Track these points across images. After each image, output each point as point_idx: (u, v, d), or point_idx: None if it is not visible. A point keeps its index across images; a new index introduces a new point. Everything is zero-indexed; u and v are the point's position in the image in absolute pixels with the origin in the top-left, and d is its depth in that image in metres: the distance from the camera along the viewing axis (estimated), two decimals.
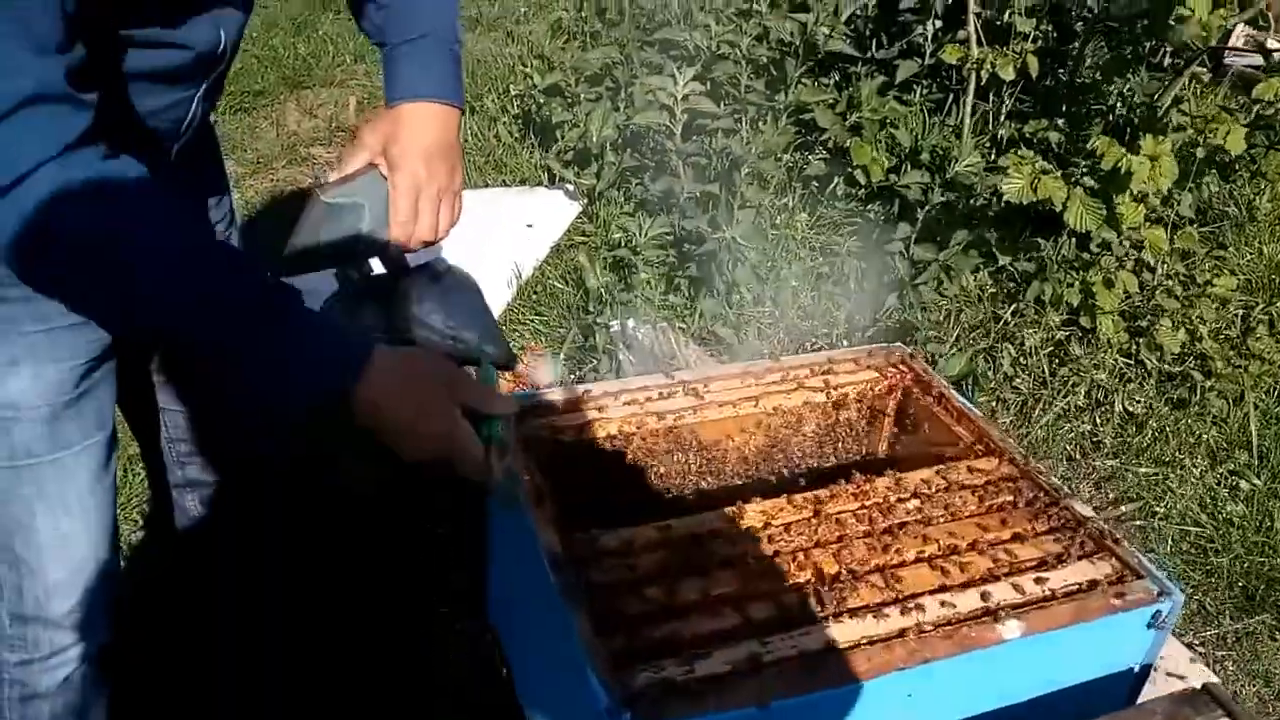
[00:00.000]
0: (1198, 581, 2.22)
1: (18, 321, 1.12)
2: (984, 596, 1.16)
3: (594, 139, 3.04)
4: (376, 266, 1.30)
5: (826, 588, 1.16)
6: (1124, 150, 2.39)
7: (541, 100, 3.47)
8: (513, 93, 3.86)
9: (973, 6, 2.95)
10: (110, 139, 0.94)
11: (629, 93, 3.17)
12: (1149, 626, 1.17)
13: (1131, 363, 2.65)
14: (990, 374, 2.58)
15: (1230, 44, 3.91)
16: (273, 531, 1.73)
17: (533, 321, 2.81)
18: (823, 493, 1.31)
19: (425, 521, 2.11)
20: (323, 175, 3.57)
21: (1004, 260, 2.75)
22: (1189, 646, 2.09)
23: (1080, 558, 1.24)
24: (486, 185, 3.51)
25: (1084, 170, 2.63)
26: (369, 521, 2.13)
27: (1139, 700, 1.26)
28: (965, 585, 1.19)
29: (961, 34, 3.08)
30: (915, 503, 1.32)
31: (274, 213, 3.44)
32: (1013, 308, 2.70)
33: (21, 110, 0.86)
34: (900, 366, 1.63)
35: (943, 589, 1.18)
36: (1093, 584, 1.20)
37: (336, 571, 1.99)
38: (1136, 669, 1.25)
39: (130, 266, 0.92)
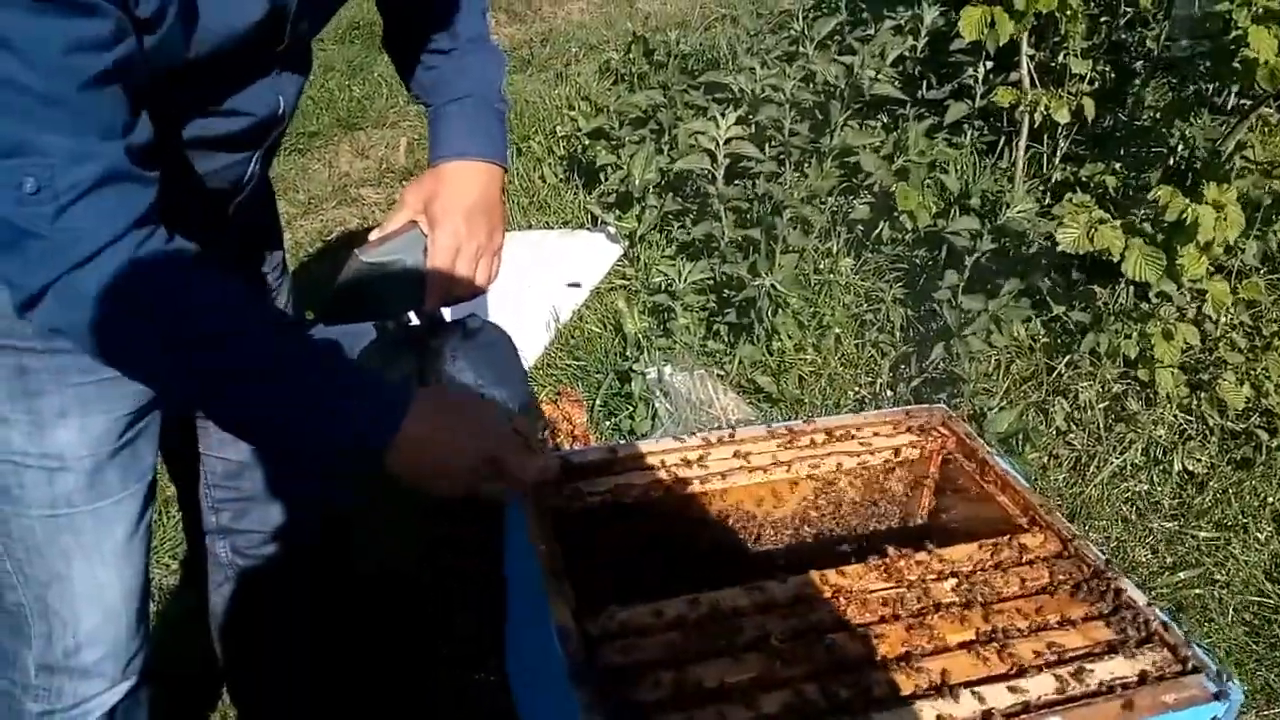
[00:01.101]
0: (1261, 655, 2.09)
1: (66, 373, 1.13)
2: (1024, 690, 1.09)
3: (636, 182, 3.03)
4: (413, 317, 1.33)
5: (854, 676, 1.09)
6: (1187, 200, 2.29)
7: (586, 143, 3.48)
8: (559, 134, 3.87)
9: (1025, 48, 2.88)
10: (171, 200, 0.98)
11: (672, 135, 3.15)
12: None
13: (1192, 419, 2.53)
14: (1042, 429, 2.48)
15: None
16: (302, 582, 1.72)
17: (570, 367, 2.78)
18: (855, 569, 1.24)
19: (449, 576, 2.09)
20: (372, 220, 3.62)
21: (1057, 310, 2.65)
22: None
23: (1129, 646, 1.16)
24: (530, 227, 3.51)
25: (1143, 218, 2.53)
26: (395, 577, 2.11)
27: None
28: (1004, 676, 1.11)
29: (1014, 75, 3.01)
30: (954, 581, 1.24)
31: (323, 256, 3.48)
32: (1066, 359, 2.60)
33: (92, 192, 0.90)
34: (942, 429, 1.56)
35: (980, 681, 1.10)
36: (1142, 678, 1.12)
37: (358, 624, 1.97)
38: None
39: (191, 343, 0.97)
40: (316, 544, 1.66)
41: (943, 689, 1.09)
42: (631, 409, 2.55)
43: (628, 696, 1.06)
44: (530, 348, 2.71)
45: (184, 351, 0.98)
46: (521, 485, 1.14)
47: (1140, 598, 1.23)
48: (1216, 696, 1.09)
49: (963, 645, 1.15)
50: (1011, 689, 1.09)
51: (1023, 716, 1.06)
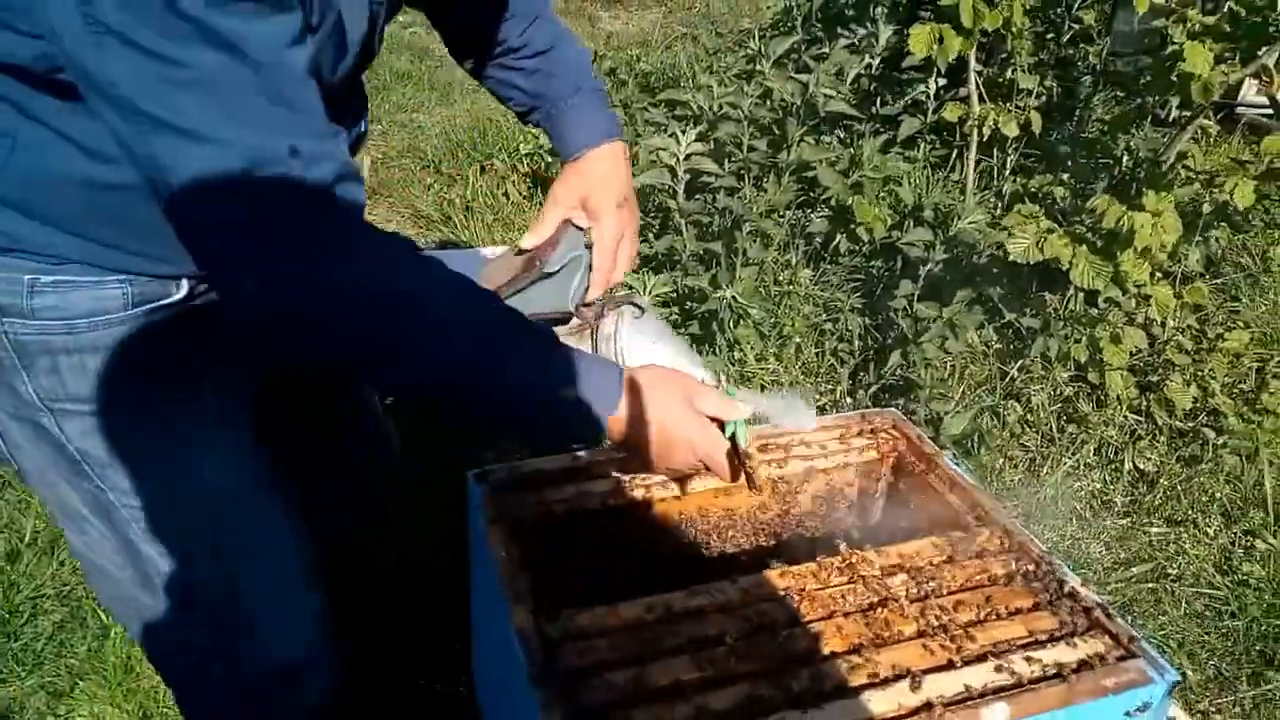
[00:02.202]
0: (1213, 646, 2.16)
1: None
2: (971, 678, 1.13)
3: None
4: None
5: (807, 669, 1.13)
6: (1124, 209, 2.37)
7: (549, 160, 3.52)
8: (522, 151, 3.91)
9: (974, 64, 2.97)
10: None
11: (634, 152, 3.20)
12: (1139, 711, 1.13)
13: (1142, 419, 2.60)
14: (997, 431, 2.55)
15: (1241, 95, 3.90)
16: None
17: None
18: (807, 568, 1.28)
19: (423, 588, 2.10)
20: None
21: (1009, 316, 2.72)
22: (1204, 716, 2.03)
23: (1072, 635, 1.21)
24: (495, 243, 3.54)
25: (1088, 227, 2.61)
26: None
27: None
28: (952, 665, 1.16)
29: (963, 91, 3.10)
30: (904, 576, 1.29)
31: None
32: (1018, 364, 2.67)
33: (334, 186, 0.93)
34: (893, 432, 1.61)
35: (929, 670, 1.15)
36: (1084, 664, 1.16)
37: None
38: None
39: (442, 324, 0.99)
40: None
41: (892, 680, 1.13)
42: None
43: (586, 697, 1.09)
44: None
45: (435, 331, 0.98)
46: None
47: (1081, 586, 1.28)
48: (1154, 677, 1.14)
49: (912, 637, 1.20)
50: (959, 678, 1.13)
51: (970, 703, 1.10)
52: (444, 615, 2.03)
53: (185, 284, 1.11)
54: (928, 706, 1.10)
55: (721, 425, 1.18)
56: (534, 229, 1.37)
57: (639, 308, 1.35)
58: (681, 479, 1.43)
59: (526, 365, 1.03)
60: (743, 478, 1.20)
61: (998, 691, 1.12)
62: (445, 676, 1.93)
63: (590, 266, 1.35)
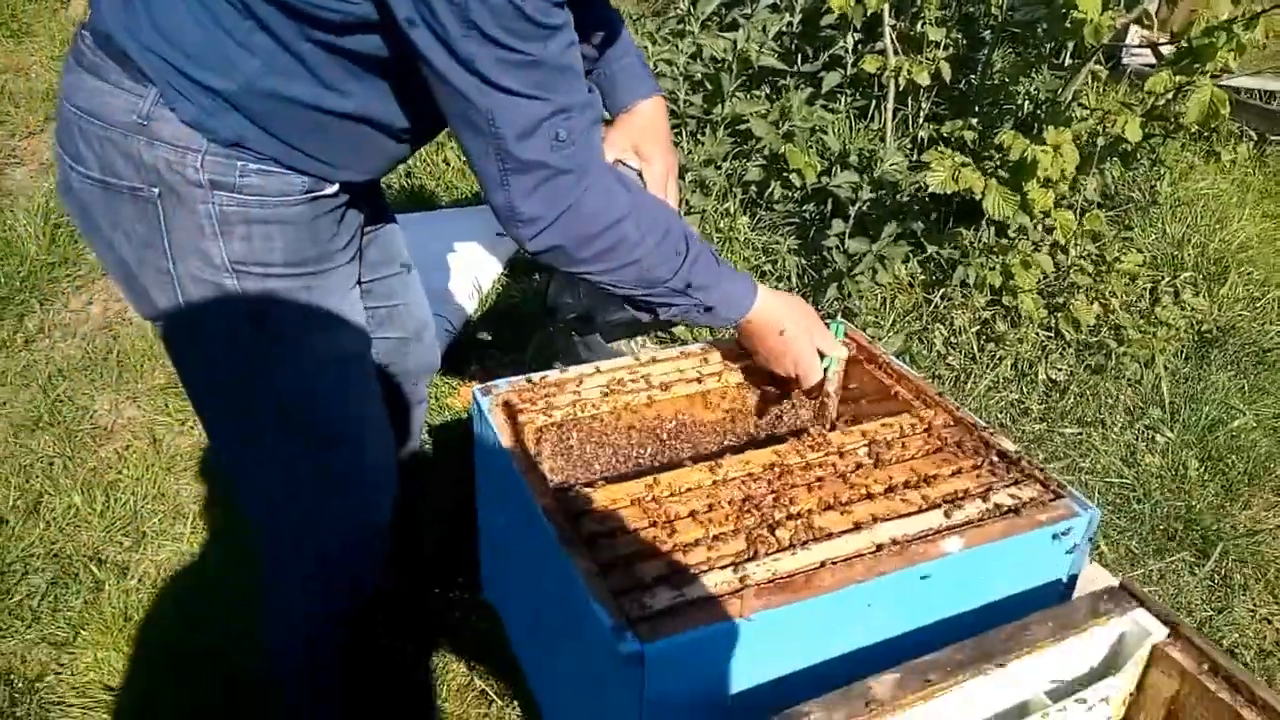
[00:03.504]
0: (1123, 527, 2.44)
1: None
2: (929, 520, 1.34)
3: None
4: None
5: (794, 521, 1.32)
6: (1028, 142, 2.62)
7: None
8: None
9: (888, 19, 3.19)
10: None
11: None
12: (1060, 536, 1.36)
13: (1052, 335, 2.88)
14: (926, 353, 2.79)
15: (1126, 43, 4.23)
16: None
17: (498, 333, 2.95)
18: (786, 446, 1.47)
19: (418, 509, 2.23)
20: None
21: (931, 249, 2.97)
22: None
23: (1010, 485, 1.42)
24: (439, 206, 3.64)
25: (998, 163, 2.87)
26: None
27: None
28: (913, 513, 1.36)
29: (879, 45, 3.32)
30: (866, 449, 1.49)
31: None
32: (941, 292, 2.92)
33: (590, 131, 1.26)
34: (847, 338, 1.81)
35: (893, 517, 1.35)
36: (1021, 504, 1.38)
37: None
38: (1064, 580, 1.43)
39: (651, 232, 1.36)
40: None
41: (866, 525, 1.33)
42: (560, 367, 2.73)
43: (607, 554, 1.26)
44: (457, 316, 2.87)
45: (649, 240, 1.35)
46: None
47: (1015, 447, 1.50)
48: (1078, 511, 1.37)
49: (878, 495, 1.39)
50: (921, 521, 1.34)
51: (930, 538, 1.31)
52: (447, 539, 2.19)
53: (335, 184, 1.37)
54: (895, 543, 1.30)
55: (823, 357, 1.58)
56: None
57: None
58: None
59: (698, 267, 1.41)
60: (819, 407, 1.61)
61: (952, 528, 1.33)
62: (457, 586, 2.07)
63: None
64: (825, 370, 1.59)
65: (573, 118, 1.21)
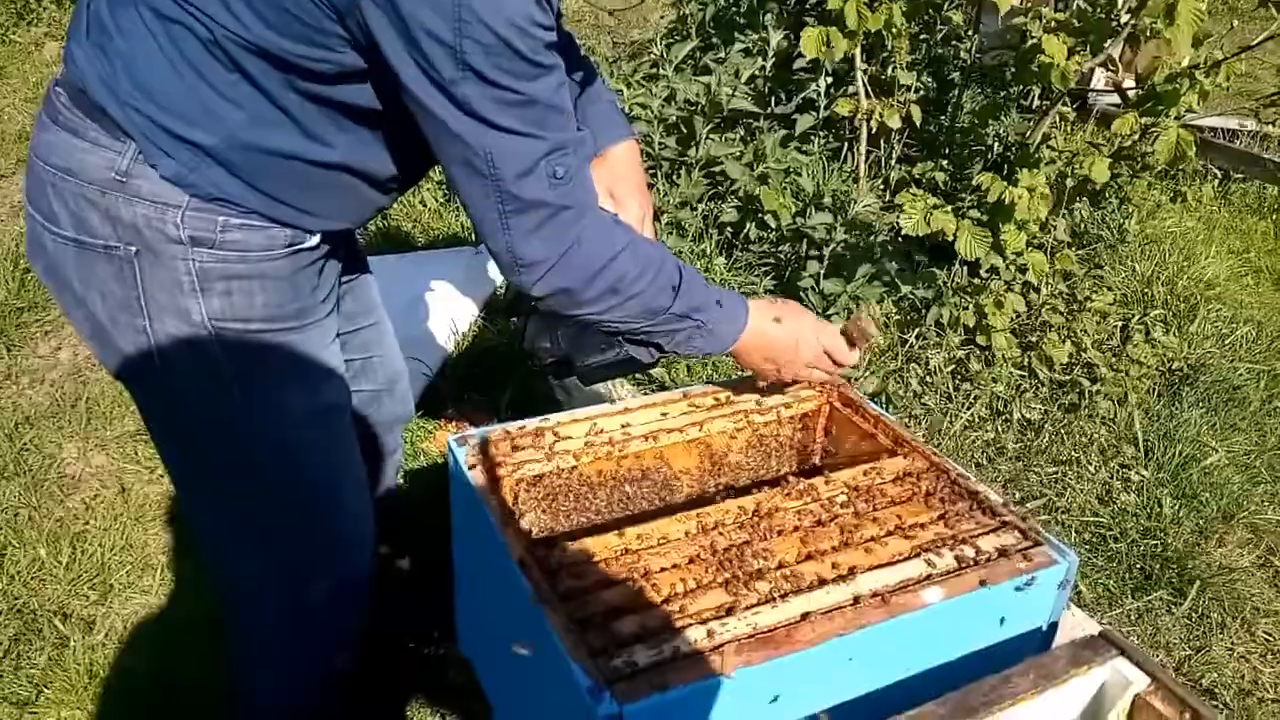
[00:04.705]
0: (1100, 566, 2.44)
1: None
2: (909, 570, 1.33)
3: None
4: None
5: (775, 572, 1.31)
6: (1006, 184, 2.66)
7: None
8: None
9: (859, 64, 3.24)
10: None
11: None
12: (1038, 584, 1.35)
13: (1026, 374, 2.90)
14: (901, 393, 2.80)
15: (1092, 85, 4.32)
16: None
17: (474, 374, 2.93)
18: (763, 495, 1.47)
19: (390, 555, 2.20)
20: None
21: (905, 289, 2.99)
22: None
23: (988, 532, 1.42)
24: (415, 248, 3.64)
25: (970, 204, 2.91)
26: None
27: None
28: (892, 563, 1.35)
29: (851, 89, 3.37)
30: (844, 496, 1.48)
31: None
32: (916, 332, 2.94)
33: (583, 168, 1.27)
34: (826, 385, 1.81)
35: (874, 568, 1.34)
36: (1000, 552, 1.38)
37: None
38: (1044, 627, 1.43)
39: (649, 269, 1.37)
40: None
41: (846, 576, 1.32)
42: (538, 410, 2.71)
43: (581, 612, 1.24)
44: (434, 359, 2.85)
45: (648, 272, 1.35)
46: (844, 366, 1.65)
47: (992, 494, 1.50)
48: (1056, 560, 1.37)
49: (857, 543, 1.39)
50: (899, 572, 1.33)
51: (913, 587, 1.30)
52: (422, 589, 2.15)
53: (317, 236, 1.37)
54: (875, 595, 1.29)
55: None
56: None
57: None
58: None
59: (694, 291, 1.42)
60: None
61: (931, 579, 1.32)
62: (434, 639, 2.04)
63: None
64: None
65: (568, 154, 1.22)
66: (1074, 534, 2.51)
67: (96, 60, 1.21)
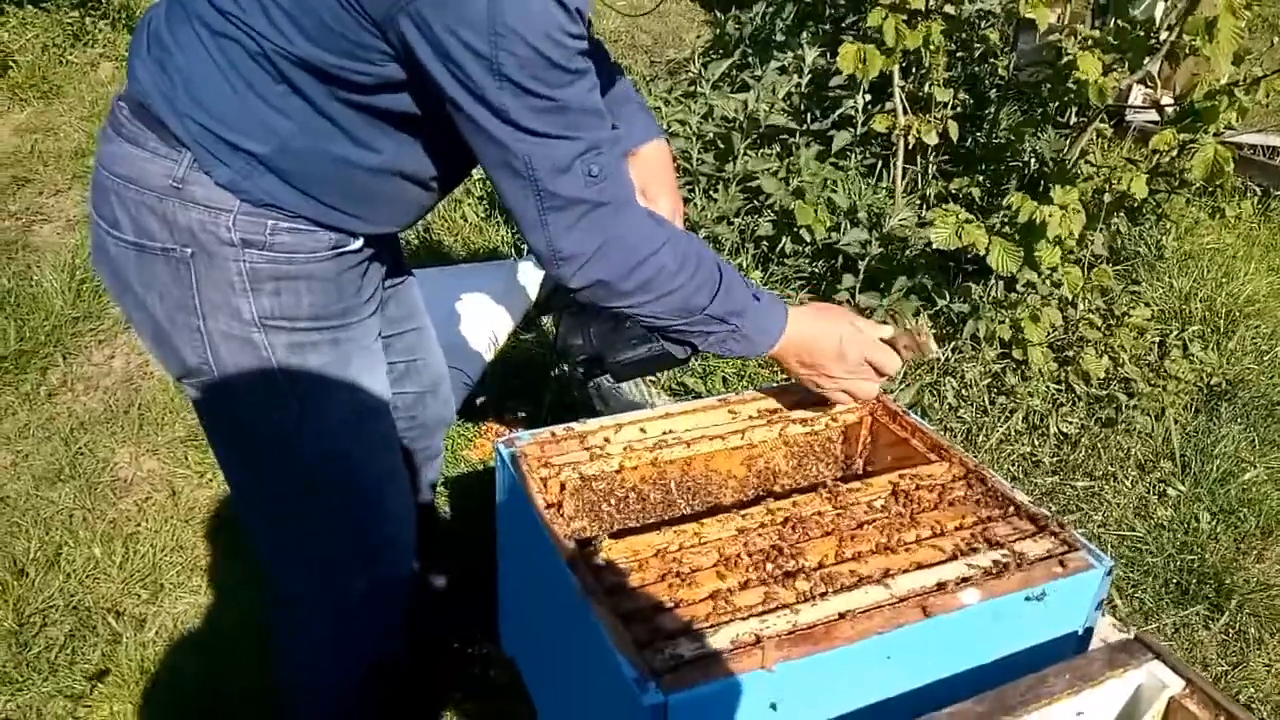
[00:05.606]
0: (1136, 581, 2.44)
1: None
2: (947, 572, 1.35)
3: None
4: None
5: (814, 572, 1.34)
6: (1036, 204, 2.68)
7: None
8: (475, 175, 4.09)
9: (897, 80, 3.27)
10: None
11: None
12: (1075, 589, 1.37)
13: (1062, 388, 2.90)
14: (937, 406, 2.82)
15: (1130, 102, 4.32)
16: None
17: (514, 385, 2.99)
18: (803, 498, 1.50)
19: (434, 558, 2.25)
20: None
21: (941, 303, 3.01)
22: None
23: (1026, 537, 1.44)
24: (456, 262, 3.71)
25: (1003, 221, 2.92)
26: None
27: None
28: (931, 565, 1.38)
29: (888, 105, 3.40)
30: (882, 500, 1.51)
31: None
32: (952, 345, 2.95)
33: (618, 165, 1.31)
34: (865, 401, 1.83)
35: (912, 569, 1.36)
36: (1037, 556, 1.40)
37: None
38: (1080, 631, 1.45)
39: (687, 260, 1.40)
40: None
41: (884, 578, 1.35)
42: (576, 418, 2.76)
43: (627, 605, 1.28)
44: (474, 368, 2.91)
45: (686, 268, 1.38)
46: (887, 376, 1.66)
47: (1028, 500, 1.52)
48: (1093, 564, 1.38)
49: (896, 546, 1.42)
50: (936, 574, 1.36)
51: (950, 589, 1.32)
52: (463, 592, 2.20)
53: (360, 239, 1.43)
54: (913, 595, 1.31)
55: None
56: None
57: None
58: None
59: (733, 293, 1.44)
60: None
61: (969, 581, 1.35)
62: (476, 640, 2.08)
63: None
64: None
65: (603, 153, 1.26)
66: (1110, 548, 2.51)
67: (156, 75, 1.28)
